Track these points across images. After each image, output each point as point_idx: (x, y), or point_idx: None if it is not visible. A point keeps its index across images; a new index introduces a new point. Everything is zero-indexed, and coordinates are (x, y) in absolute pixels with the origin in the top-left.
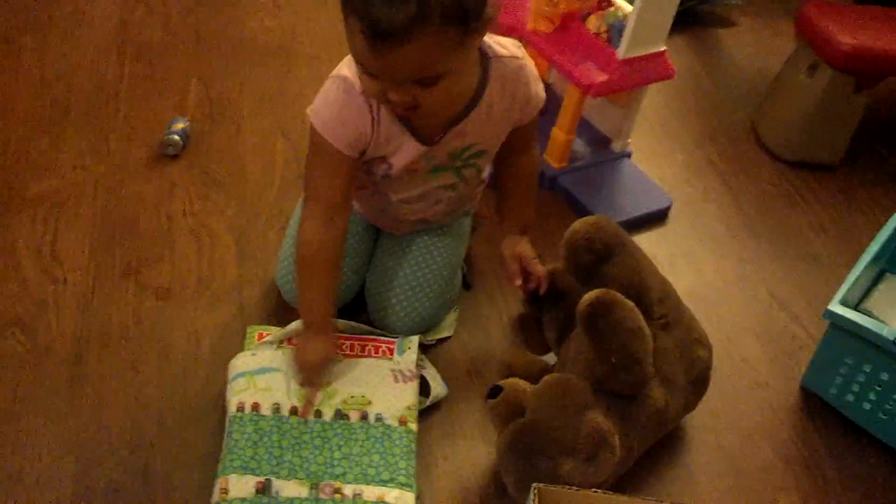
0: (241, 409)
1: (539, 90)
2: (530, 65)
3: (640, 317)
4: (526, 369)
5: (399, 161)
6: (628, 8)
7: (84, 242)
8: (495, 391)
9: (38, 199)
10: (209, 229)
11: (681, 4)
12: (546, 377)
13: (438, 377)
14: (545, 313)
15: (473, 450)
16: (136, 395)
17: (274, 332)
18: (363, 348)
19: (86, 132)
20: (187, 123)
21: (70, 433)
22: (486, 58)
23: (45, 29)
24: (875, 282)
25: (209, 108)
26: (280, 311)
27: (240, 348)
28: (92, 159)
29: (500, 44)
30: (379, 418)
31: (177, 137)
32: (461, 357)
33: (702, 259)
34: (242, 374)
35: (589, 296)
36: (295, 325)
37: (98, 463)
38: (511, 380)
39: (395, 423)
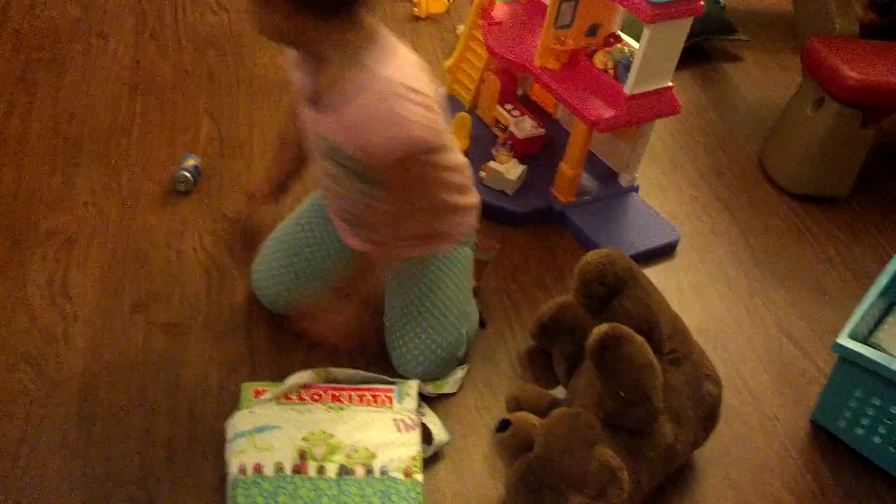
0: (242, 471)
1: (407, 134)
2: (407, 104)
3: (650, 352)
4: (535, 403)
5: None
6: (635, 45)
7: (94, 278)
8: (504, 425)
9: (50, 234)
10: (218, 265)
11: (687, 40)
12: (555, 411)
13: (439, 423)
14: (554, 346)
15: (482, 484)
16: (144, 429)
17: (271, 389)
18: (361, 398)
19: (98, 169)
20: (198, 160)
21: (78, 467)
22: (362, 66)
23: (59, 67)
24: (884, 315)
25: (220, 144)
26: (288, 347)
27: (239, 398)
28: (103, 196)
29: (401, 69)
30: (384, 472)
31: (188, 174)
32: (470, 390)
33: (710, 293)
34: (242, 435)
35: (598, 330)
36: (293, 379)
37: (106, 497)
38: (520, 414)
39: (401, 476)
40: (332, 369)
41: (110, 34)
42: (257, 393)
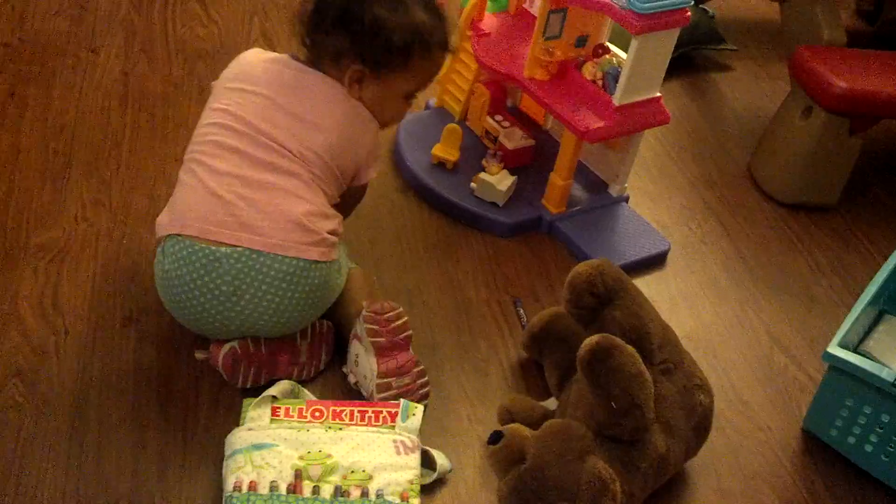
0: (237, 488)
1: None
2: None
3: (641, 362)
4: (527, 415)
5: None
6: (623, 55)
7: (85, 292)
8: (496, 437)
9: (40, 249)
10: None
11: (676, 50)
12: (547, 423)
13: (442, 454)
14: (546, 358)
15: (475, 496)
16: (136, 444)
17: (287, 384)
18: (363, 416)
19: (88, 183)
20: None
21: (70, 483)
22: None
23: (49, 81)
24: (874, 323)
25: None
26: None
27: (240, 414)
28: (94, 210)
29: None
30: (379, 495)
31: None
32: (461, 402)
33: (701, 302)
34: (239, 451)
35: (589, 341)
36: (277, 387)
37: None
38: (512, 425)
39: (397, 500)
40: (307, 391)
41: (100, 48)
42: None
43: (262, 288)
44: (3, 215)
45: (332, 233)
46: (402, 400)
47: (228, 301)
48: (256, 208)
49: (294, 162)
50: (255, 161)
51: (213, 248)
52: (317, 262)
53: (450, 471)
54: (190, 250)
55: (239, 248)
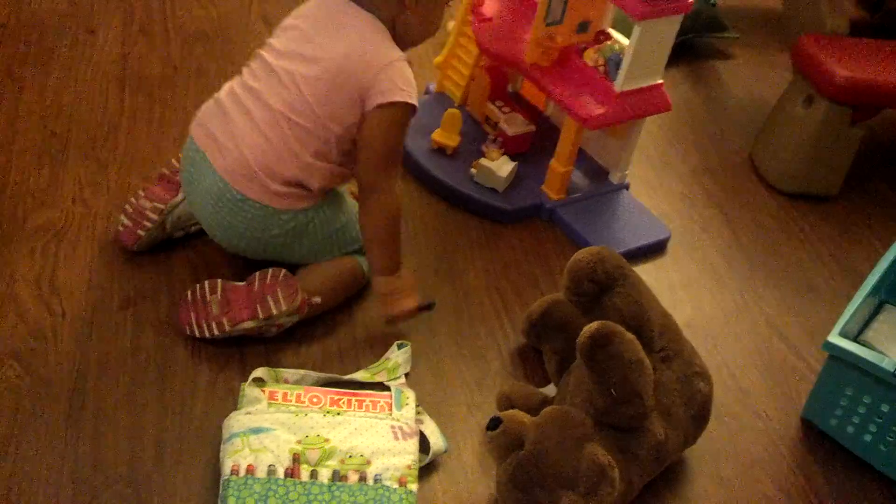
0: (235, 471)
1: None
2: None
3: (641, 349)
4: (526, 401)
5: None
6: (625, 42)
7: (83, 275)
8: (495, 423)
9: (38, 231)
10: (207, 261)
11: (677, 37)
12: (546, 409)
13: (437, 431)
14: (545, 344)
15: (473, 482)
16: (133, 428)
17: (262, 372)
18: (360, 404)
19: (86, 165)
20: None
21: (67, 466)
22: None
23: (47, 62)
24: (874, 313)
25: None
26: (277, 344)
27: (236, 385)
28: (91, 192)
29: None
30: (377, 479)
31: None
32: (460, 389)
33: (701, 291)
34: (236, 435)
35: (589, 328)
36: (258, 371)
37: (95, 495)
38: (511, 412)
39: (395, 485)
40: (283, 370)
41: (98, 28)
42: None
43: (200, 192)
44: (0, 196)
45: (279, 178)
46: (394, 389)
47: (189, 185)
48: (227, 125)
49: (293, 110)
50: (258, 93)
51: (194, 142)
52: (241, 194)
53: (445, 451)
54: (189, 143)
55: (201, 150)
